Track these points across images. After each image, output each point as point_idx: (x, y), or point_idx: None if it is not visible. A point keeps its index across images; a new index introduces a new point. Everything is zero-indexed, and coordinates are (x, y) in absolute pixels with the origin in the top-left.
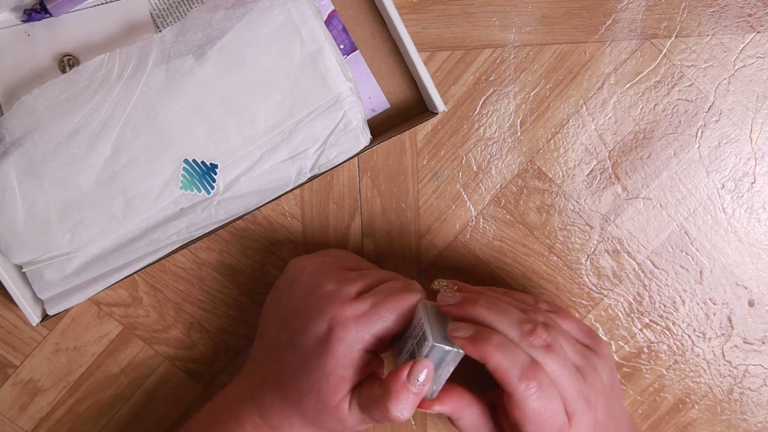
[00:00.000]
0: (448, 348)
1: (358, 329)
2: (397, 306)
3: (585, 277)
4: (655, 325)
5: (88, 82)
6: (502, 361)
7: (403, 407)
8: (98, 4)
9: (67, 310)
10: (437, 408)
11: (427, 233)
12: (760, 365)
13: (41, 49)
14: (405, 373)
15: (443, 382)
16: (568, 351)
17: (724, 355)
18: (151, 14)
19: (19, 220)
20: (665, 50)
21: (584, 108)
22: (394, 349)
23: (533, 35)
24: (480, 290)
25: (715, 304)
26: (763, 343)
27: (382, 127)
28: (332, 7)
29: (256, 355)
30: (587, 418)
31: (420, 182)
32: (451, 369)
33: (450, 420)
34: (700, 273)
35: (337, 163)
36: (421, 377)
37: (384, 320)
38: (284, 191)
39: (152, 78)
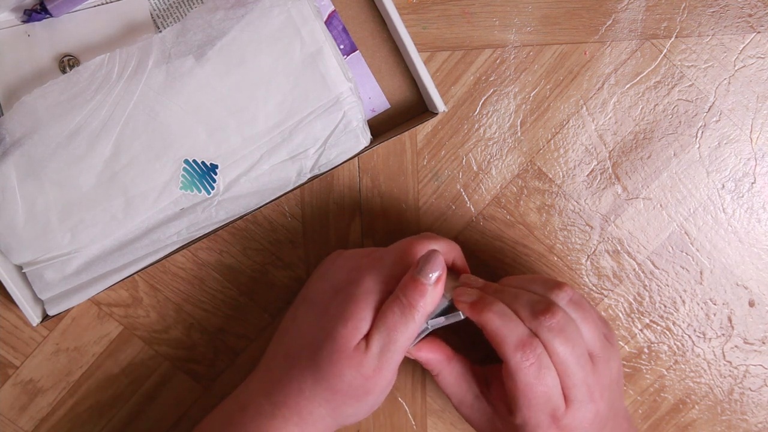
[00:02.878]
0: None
1: (375, 272)
2: (410, 250)
3: (585, 277)
4: (655, 326)
5: (88, 83)
6: (500, 327)
7: (419, 295)
8: (98, 5)
9: (67, 311)
10: (416, 354)
11: None
12: (761, 365)
13: (41, 49)
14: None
15: (428, 331)
16: (589, 338)
17: (724, 356)
18: (151, 14)
19: (19, 220)
20: (665, 50)
21: (584, 108)
22: None
23: (533, 35)
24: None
25: (715, 304)
26: (764, 343)
27: (382, 127)
28: (332, 7)
29: (270, 349)
30: (587, 409)
31: (420, 182)
32: (443, 321)
33: (432, 376)
34: (701, 273)
35: (337, 164)
36: (433, 273)
37: (398, 263)
38: (284, 191)
39: (152, 78)
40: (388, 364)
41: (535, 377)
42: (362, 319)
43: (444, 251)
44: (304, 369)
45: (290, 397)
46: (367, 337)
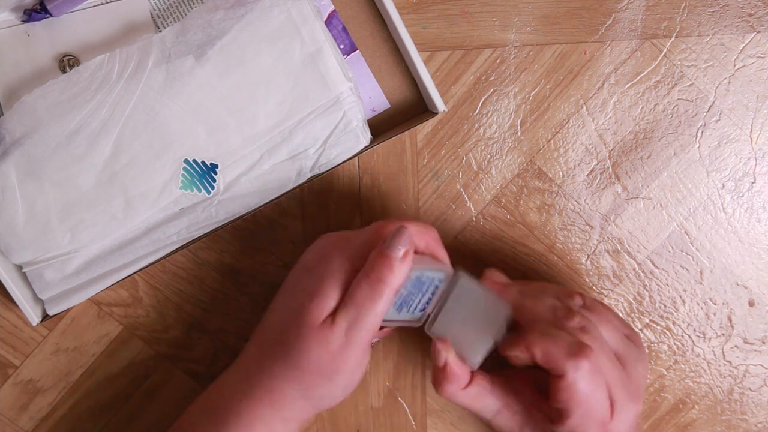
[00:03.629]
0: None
1: (347, 250)
2: (380, 230)
3: (585, 277)
4: (655, 325)
5: (88, 82)
6: (548, 347)
7: (387, 269)
8: (98, 4)
9: (67, 310)
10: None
11: None
12: (761, 365)
13: (41, 49)
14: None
15: (424, 304)
16: (610, 338)
17: (724, 355)
18: (151, 14)
19: (19, 220)
20: (665, 50)
21: (584, 108)
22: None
23: (533, 35)
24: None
25: (715, 304)
26: (764, 343)
27: (382, 127)
28: (332, 7)
29: (252, 334)
30: (629, 410)
31: (420, 182)
32: (432, 295)
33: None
34: (701, 273)
35: (337, 163)
36: (401, 247)
37: (368, 243)
38: (284, 191)
39: (152, 78)
40: (355, 341)
41: (594, 383)
42: (328, 296)
43: (417, 232)
44: (274, 348)
45: (263, 378)
46: (334, 313)
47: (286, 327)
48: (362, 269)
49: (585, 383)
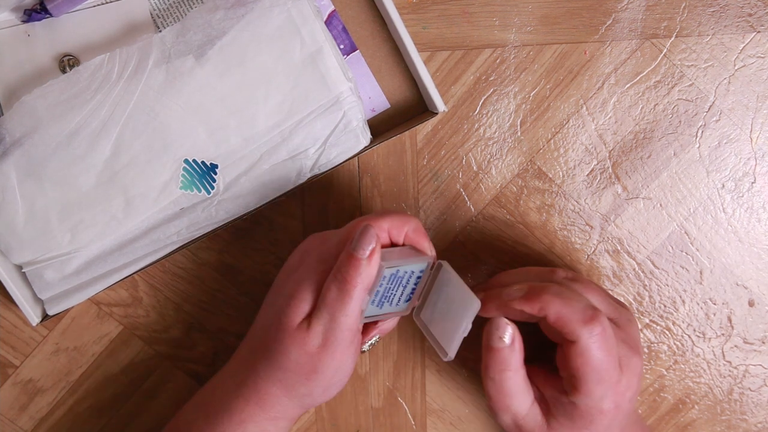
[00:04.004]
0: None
1: (321, 251)
2: (353, 228)
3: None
4: (655, 325)
5: (88, 82)
6: (562, 308)
7: (353, 270)
8: (98, 4)
9: (67, 310)
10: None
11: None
12: (760, 365)
13: (41, 49)
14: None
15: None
16: (600, 305)
17: (724, 355)
18: (151, 14)
19: (19, 220)
20: (665, 50)
21: (584, 108)
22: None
23: (533, 35)
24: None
25: (715, 304)
26: (763, 343)
27: (382, 127)
28: (332, 7)
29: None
30: (634, 363)
31: (420, 182)
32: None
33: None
34: (700, 273)
35: (337, 163)
36: (367, 247)
37: (342, 242)
38: (284, 191)
39: (152, 78)
40: (332, 342)
41: (605, 349)
42: (303, 299)
43: (394, 225)
44: (258, 349)
45: (249, 377)
46: (311, 315)
47: (269, 329)
48: (332, 270)
49: (598, 348)
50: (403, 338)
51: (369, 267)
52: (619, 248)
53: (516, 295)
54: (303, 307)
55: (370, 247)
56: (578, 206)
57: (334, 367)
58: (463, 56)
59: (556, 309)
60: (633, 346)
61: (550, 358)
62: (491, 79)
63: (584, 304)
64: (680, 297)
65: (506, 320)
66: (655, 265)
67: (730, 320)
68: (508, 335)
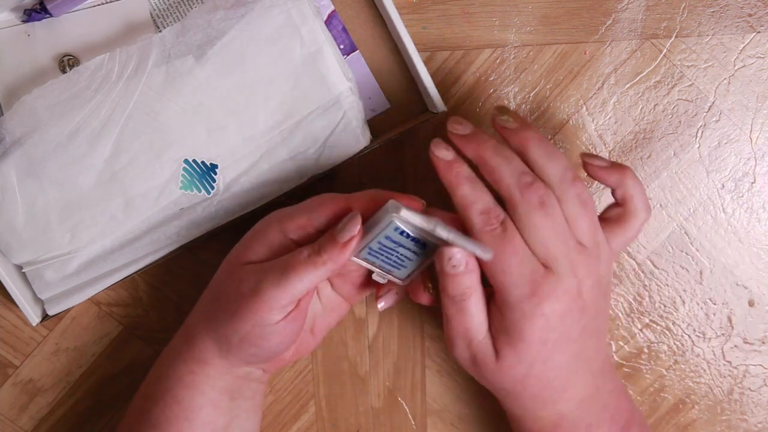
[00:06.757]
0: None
1: (277, 215)
2: (314, 202)
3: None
4: (655, 325)
5: (88, 83)
6: (498, 164)
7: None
8: (98, 4)
9: (67, 310)
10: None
11: None
12: (760, 365)
13: (41, 49)
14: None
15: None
16: (582, 229)
17: (724, 355)
18: (151, 14)
19: (19, 220)
20: (665, 50)
21: (584, 108)
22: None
23: (533, 35)
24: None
25: (715, 304)
26: (763, 343)
27: (382, 127)
28: (332, 7)
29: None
30: (569, 283)
31: (420, 182)
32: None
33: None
34: (700, 273)
35: (337, 163)
36: (349, 233)
37: (302, 208)
38: (284, 191)
39: (152, 78)
40: (266, 294)
41: (502, 240)
42: (255, 250)
43: (357, 199)
44: (212, 321)
45: (181, 332)
46: (257, 262)
47: (222, 290)
48: (311, 245)
49: (493, 237)
50: (403, 338)
51: (343, 253)
52: None
53: (459, 131)
54: (254, 251)
55: (350, 235)
56: None
57: (256, 319)
58: (463, 56)
59: (493, 162)
60: (576, 269)
61: None
62: (491, 79)
63: (489, 198)
64: (680, 297)
65: (455, 249)
66: (655, 265)
67: (730, 320)
68: (459, 261)
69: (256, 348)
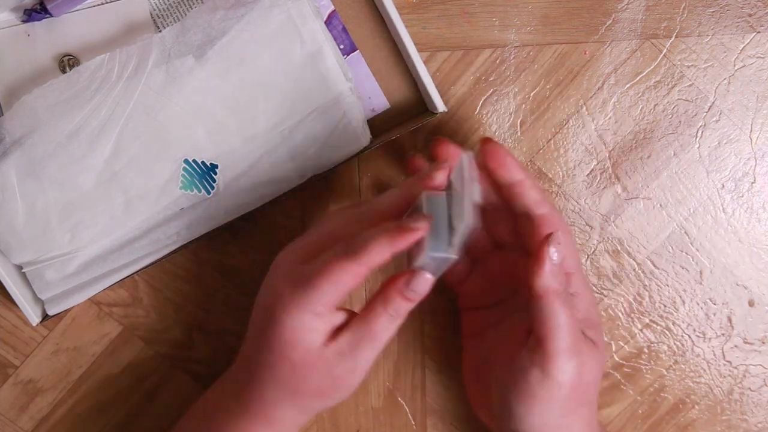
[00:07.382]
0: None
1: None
2: (326, 276)
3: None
4: (655, 326)
5: (88, 83)
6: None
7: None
8: (98, 4)
9: (67, 310)
10: None
11: None
12: (761, 365)
13: (41, 49)
14: (401, 281)
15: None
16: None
17: (724, 355)
18: (151, 14)
19: (19, 220)
20: (665, 50)
21: (584, 108)
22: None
23: (533, 35)
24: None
25: (715, 304)
26: (764, 343)
27: (382, 127)
28: (332, 7)
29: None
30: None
31: None
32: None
33: None
34: (700, 273)
35: (337, 163)
36: (420, 288)
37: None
38: (284, 191)
39: (152, 78)
40: (361, 363)
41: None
42: (317, 320)
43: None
44: (262, 370)
45: (255, 402)
46: (335, 336)
47: (264, 347)
48: (377, 295)
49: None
50: (404, 338)
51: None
52: (619, 248)
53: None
54: (318, 325)
55: (421, 293)
56: (578, 206)
57: (356, 383)
58: (463, 56)
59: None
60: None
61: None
62: (491, 79)
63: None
64: (680, 297)
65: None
66: (655, 265)
67: (730, 320)
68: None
69: (349, 391)
